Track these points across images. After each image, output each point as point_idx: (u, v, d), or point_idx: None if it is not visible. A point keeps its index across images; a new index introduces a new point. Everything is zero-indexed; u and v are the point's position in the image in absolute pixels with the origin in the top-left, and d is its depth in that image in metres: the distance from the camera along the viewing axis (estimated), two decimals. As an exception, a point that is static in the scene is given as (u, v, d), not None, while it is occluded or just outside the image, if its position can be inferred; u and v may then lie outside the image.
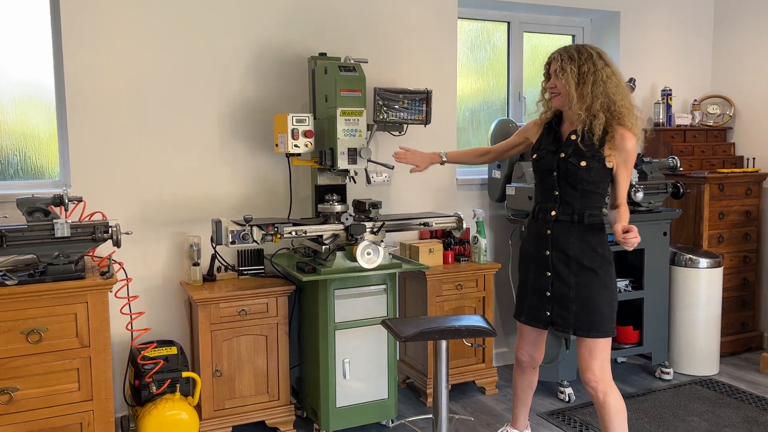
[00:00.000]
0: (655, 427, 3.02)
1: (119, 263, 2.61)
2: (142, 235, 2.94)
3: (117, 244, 2.49)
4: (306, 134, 2.83)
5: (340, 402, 2.83)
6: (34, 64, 2.89)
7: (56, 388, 2.35)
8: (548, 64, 2.34)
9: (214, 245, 2.77)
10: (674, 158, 3.82)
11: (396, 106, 3.04)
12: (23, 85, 2.89)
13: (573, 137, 2.29)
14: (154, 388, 2.58)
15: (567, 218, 2.32)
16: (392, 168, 3.08)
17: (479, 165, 3.46)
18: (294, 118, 2.81)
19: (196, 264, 2.95)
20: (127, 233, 2.56)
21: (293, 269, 2.83)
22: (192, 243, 2.98)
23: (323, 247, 2.80)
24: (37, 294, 2.29)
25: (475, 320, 2.29)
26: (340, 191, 3.02)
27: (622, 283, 3.52)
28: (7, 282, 2.27)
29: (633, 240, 2.10)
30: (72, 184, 2.84)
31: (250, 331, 2.84)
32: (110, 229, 2.49)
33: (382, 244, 2.78)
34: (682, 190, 3.58)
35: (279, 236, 2.71)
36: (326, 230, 2.80)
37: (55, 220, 2.39)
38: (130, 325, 2.60)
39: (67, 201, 2.45)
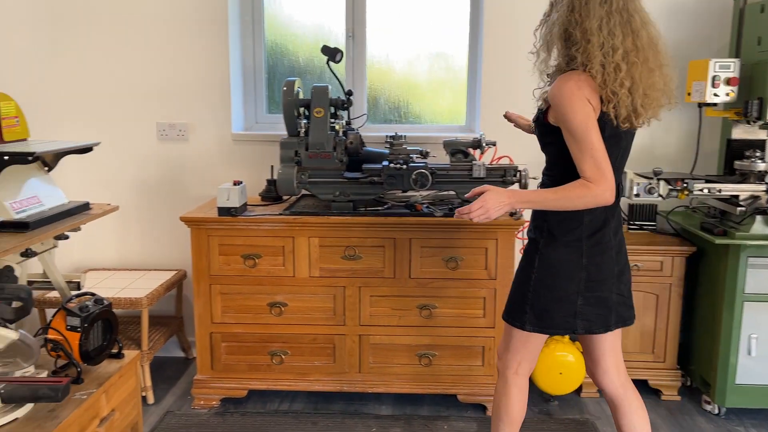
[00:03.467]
0: None
1: (521, 206, 2.76)
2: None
3: (524, 187, 2.63)
4: (729, 82, 2.55)
5: (741, 379, 2.58)
6: (448, 23, 3.17)
7: (465, 312, 2.64)
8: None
9: (613, 196, 2.73)
10: None
11: None
12: (438, 42, 3.21)
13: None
14: (546, 328, 2.71)
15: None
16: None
17: None
18: (717, 63, 2.55)
19: (588, 213, 2.95)
20: (534, 178, 2.67)
21: (696, 229, 2.63)
22: (585, 192, 2.98)
23: (738, 208, 2.53)
24: (457, 227, 2.57)
25: None
26: (761, 147, 2.66)
27: None
28: (435, 213, 2.59)
29: (476, 215, 1.74)
30: (480, 128, 3.07)
31: (641, 287, 2.75)
32: (519, 173, 2.64)
33: (817, 211, 2.38)
34: None
35: (686, 192, 2.53)
36: (745, 190, 2.52)
37: (473, 162, 2.63)
38: (527, 265, 2.75)
39: (484, 144, 2.66)
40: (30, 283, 2.35)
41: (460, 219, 1.84)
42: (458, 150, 2.67)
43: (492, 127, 3.03)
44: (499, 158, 2.81)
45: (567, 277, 1.81)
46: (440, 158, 2.83)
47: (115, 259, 3.23)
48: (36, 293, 2.68)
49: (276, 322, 2.67)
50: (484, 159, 2.84)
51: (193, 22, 3.00)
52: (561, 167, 1.78)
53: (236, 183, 2.63)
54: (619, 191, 1.84)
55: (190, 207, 3.03)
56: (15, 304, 1.75)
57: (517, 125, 2.48)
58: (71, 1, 2.97)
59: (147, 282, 2.94)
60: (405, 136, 2.69)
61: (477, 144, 2.66)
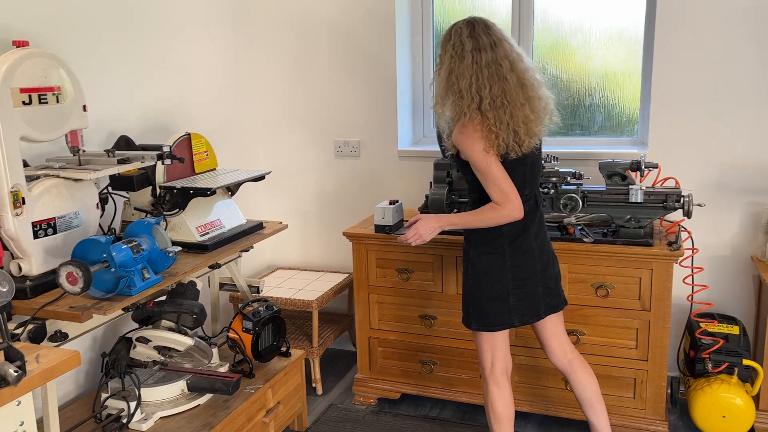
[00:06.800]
0: None
1: (688, 232, 2.56)
2: (715, 201, 2.79)
3: (688, 214, 2.44)
4: None
5: None
6: (620, 39, 3.00)
7: (615, 341, 2.55)
8: None
9: (800, 226, 2.40)
10: None
11: None
12: (611, 52, 3.04)
13: None
14: (709, 366, 2.50)
15: None
16: None
17: None
18: None
19: (774, 240, 2.63)
20: (699, 205, 2.46)
21: None
22: (772, 216, 2.66)
23: None
24: (608, 254, 2.48)
25: None
26: None
27: None
28: (584, 239, 2.53)
29: (413, 240, 2.13)
30: (649, 143, 2.88)
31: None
32: (682, 198, 2.45)
33: None
34: None
35: None
36: None
37: (630, 186, 2.50)
38: (691, 297, 2.56)
39: (643, 167, 2.51)
40: (222, 285, 2.80)
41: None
42: (615, 173, 2.56)
43: (663, 143, 2.83)
44: (664, 180, 2.62)
45: (496, 279, 2.11)
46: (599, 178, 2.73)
47: (300, 260, 3.65)
48: (228, 293, 3.18)
49: (426, 333, 2.83)
50: (648, 181, 2.67)
51: (364, 46, 3.24)
52: (477, 192, 2.10)
53: (392, 202, 2.82)
54: (538, 201, 2.16)
55: (362, 216, 3.31)
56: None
57: None
58: (258, 43, 3.39)
59: (321, 284, 3.29)
60: (557, 158, 2.64)
61: (636, 166, 2.52)
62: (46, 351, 1.54)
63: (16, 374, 1.39)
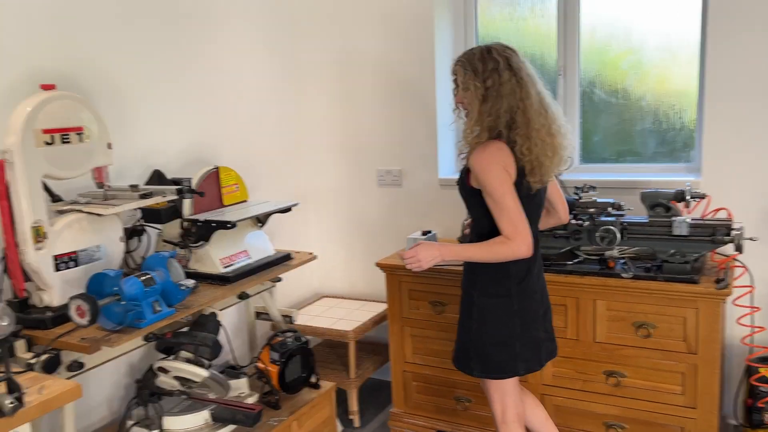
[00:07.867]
0: None
1: (744, 267, 2.35)
2: (779, 233, 2.54)
3: (739, 249, 2.23)
4: None
5: None
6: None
7: (660, 385, 2.35)
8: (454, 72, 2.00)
9: None
10: None
11: None
12: (667, 76, 2.87)
13: None
14: (766, 417, 2.26)
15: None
16: None
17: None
18: None
19: None
20: (752, 239, 2.25)
21: None
22: (844, 251, 2.38)
23: None
24: (648, 291, 2.31)
25: None
26: None
27: None
28: (623, 275, 2.36)
29: (409, 263, 1.99)
30: (702, 170, 2.68)
31: None
32: (732, 231, 2.25)
33: None
34: None
35: None
36: None
37: (674, 218, 2.33)
38: (748, 339, 2.33)
39: (689, 198, 2.33)
40: (258, 314, 2.84)
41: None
42: (658, 204, 2.39)
43: (717, 169, 2.63)
44: (715, 211, 2.42)
45: (503, 323, 1.99)
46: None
47: (346, 288, 3.64)
48: (269, 322, 3.21)
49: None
50: (697, 212, 2.48)
51: (406, 76, 3.23)
52: (485, 225, 1.97)
53: (425, 233, 2.76)
54: (537, 240, 2.04)
55: (404, 245, 3.27)
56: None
57: None
58: (304, 75, 3.45)
59: (362, 314, 3.26)
60: (594, 187, 2.50)
61: (681, 197, 2.34)
62: (51, 382, 1.60)
63: (11, 405, 1.45)
